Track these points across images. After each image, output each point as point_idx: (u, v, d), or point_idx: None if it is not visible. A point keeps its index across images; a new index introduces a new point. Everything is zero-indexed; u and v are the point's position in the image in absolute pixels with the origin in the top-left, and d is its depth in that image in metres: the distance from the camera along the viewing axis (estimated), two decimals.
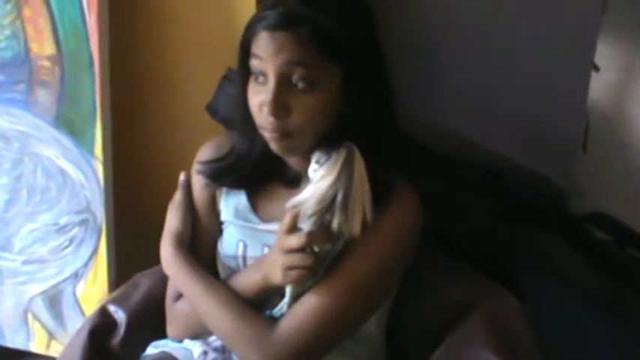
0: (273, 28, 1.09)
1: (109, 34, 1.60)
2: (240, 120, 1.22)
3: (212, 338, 1.26)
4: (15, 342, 1.78)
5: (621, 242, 1.58)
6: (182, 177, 1.34)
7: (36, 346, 1.77)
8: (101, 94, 1.60)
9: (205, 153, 1.32)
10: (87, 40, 1.58)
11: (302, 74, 1.09)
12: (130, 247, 1.70)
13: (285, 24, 1.08)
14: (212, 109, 1.60)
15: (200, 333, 1.26)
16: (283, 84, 1.10)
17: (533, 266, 1.46)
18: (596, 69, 1.63)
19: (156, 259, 1.44)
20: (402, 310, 1.30)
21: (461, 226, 1.46)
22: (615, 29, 1.73)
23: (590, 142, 1.72)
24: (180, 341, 1.30)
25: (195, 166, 1.32)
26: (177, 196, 1.33)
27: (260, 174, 1.26)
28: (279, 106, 1.10)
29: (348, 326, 1.17)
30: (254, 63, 1.12)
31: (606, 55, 1.72)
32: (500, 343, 1.20)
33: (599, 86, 1.76)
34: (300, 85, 1.09)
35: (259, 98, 1.12)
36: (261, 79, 1.12)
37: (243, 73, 1.17)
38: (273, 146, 1.16)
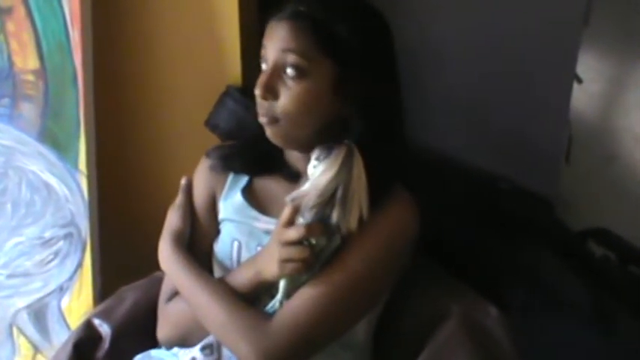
0: (279, 19, 1.16)
1: (93, 49, 1.60)
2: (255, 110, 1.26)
3: (200, 344, 1.25)
4: (0, 356, 1.77)
5: (623, 259, 1.58)
6: (184, 181, 1.37)
7: None
8: (85, 108, 1.60)
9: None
10: (71, 54, 1.59)
11: (293, 61, 1.13)
12: (115, 260, 1.69)
13: (289, 16, 1.15)
14: (212, 124, 1.60)
15: (190, 335, 1.26)
16: (277, 70, 1.15)
17: (519, 279, 1.47)
18: (579, 81, 1.63)
19: (141, 272, 1.45)
20: (386, 319, 1.30)
21: (450, 237, 1.46)
22: (600, 41, 1.74)
23: (576, 155, 1.72)
24: (168, 348, 1.31)
25: (206, 152, 1.36)
26: (178, 199, 1.36)
27: (266, 161, 1.30)
28: (268, 88, 1.15)
29: (341, 322, 1.17)
30: (262, 52, 1.19)
31: (592, 67, 1.73)
32: (480, 353, 1.20)
33: (585, 98, 1.77)
34: (290, 71, 1.14)
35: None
36: (264, 66, 1.18)
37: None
38: (267, 133, 1.20)
